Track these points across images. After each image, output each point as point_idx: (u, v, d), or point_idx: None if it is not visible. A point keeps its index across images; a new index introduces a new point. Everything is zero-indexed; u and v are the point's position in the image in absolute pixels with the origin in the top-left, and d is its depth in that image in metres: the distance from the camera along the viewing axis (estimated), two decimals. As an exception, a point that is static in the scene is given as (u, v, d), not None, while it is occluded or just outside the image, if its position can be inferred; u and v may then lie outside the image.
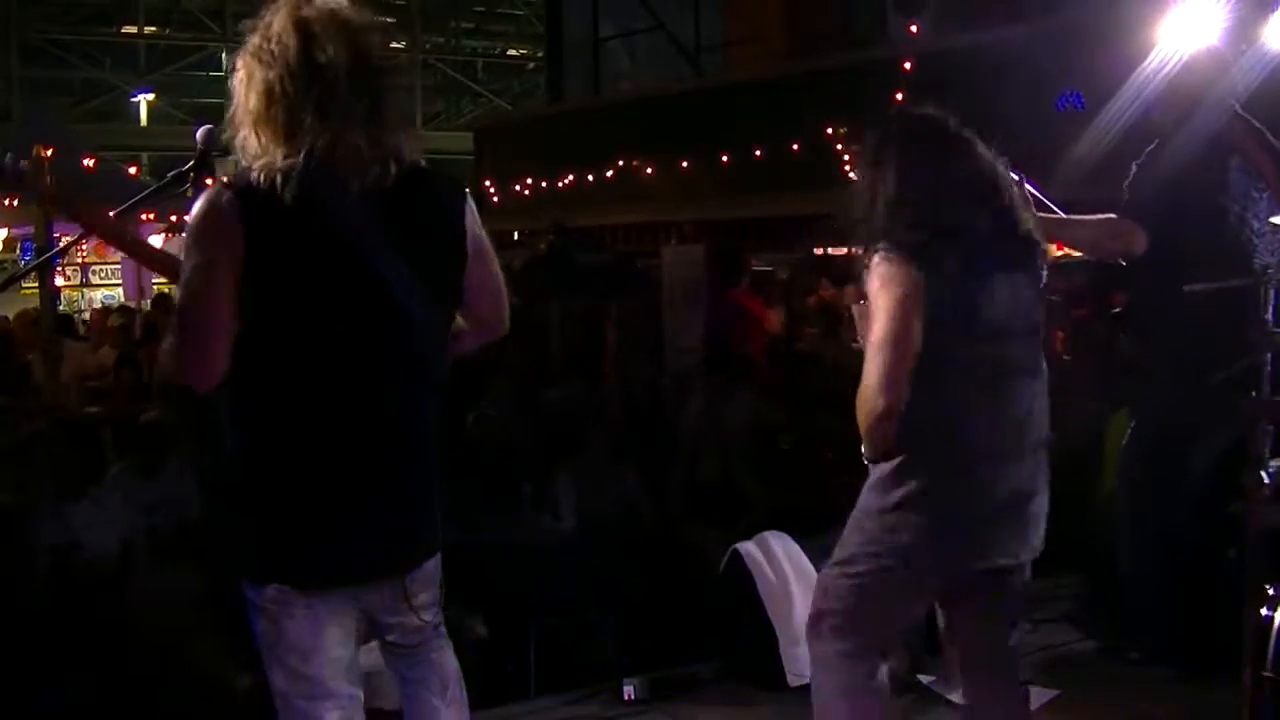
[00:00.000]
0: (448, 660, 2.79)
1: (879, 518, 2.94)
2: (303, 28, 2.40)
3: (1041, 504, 3.06)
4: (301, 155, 2.36)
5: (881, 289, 2.84)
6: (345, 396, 2.46)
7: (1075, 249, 4.29)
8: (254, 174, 2.37)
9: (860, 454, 3.00)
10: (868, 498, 2.99)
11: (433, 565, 2.68)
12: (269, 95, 2.39)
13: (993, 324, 2.91)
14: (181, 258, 2.46)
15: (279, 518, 2.47)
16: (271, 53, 2.40)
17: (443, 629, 2.79)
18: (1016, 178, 3.95)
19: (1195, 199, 4.06)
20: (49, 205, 2.89)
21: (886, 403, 2.81)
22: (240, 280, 2.36)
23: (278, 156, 2.38)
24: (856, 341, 3.03)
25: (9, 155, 2.85)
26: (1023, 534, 3.01)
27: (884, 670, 3.11)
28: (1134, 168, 4.27)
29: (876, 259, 2.86)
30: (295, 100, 2.38)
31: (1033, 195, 3.69)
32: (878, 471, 2.95)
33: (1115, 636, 4.55)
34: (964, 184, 2.93)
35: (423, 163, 2.57)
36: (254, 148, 2.42)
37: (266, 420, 2.47)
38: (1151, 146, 4.23)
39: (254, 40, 2.43)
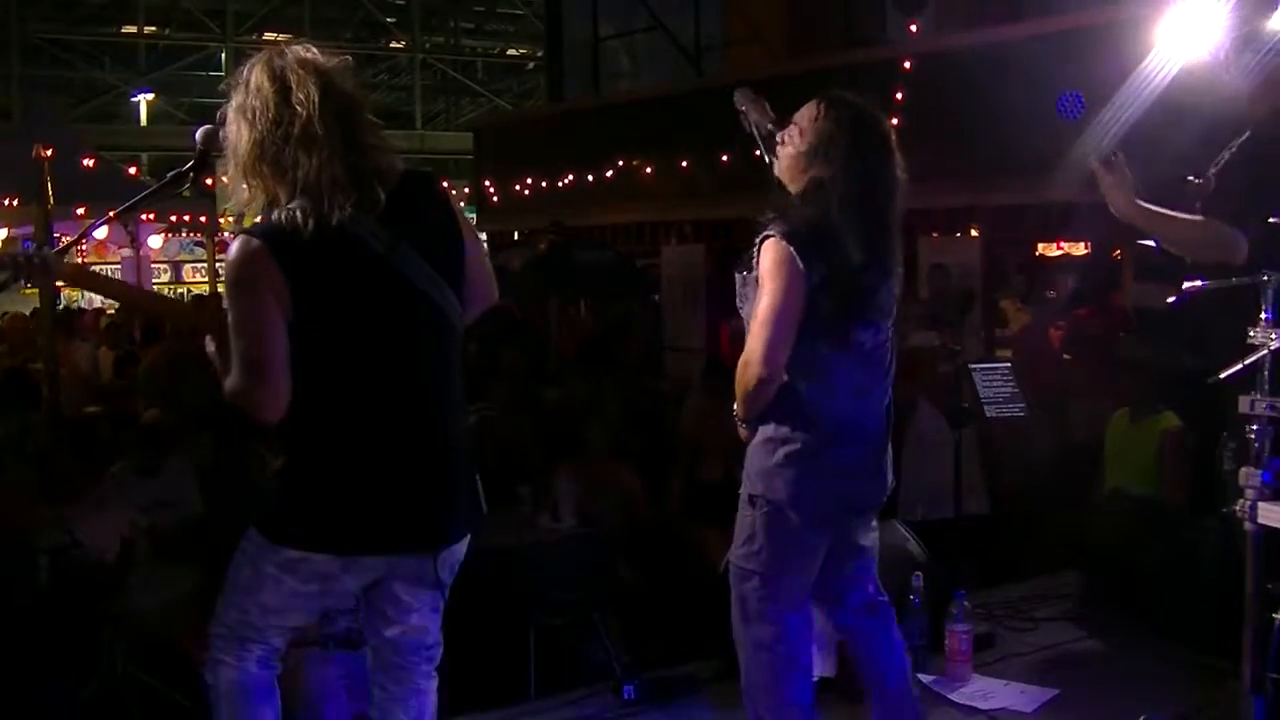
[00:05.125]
0: (431, 693, 2.98)
1: (768, 480, 3.26)
2: (277, 78, 2.65)
3: (888, 457, 3.42)
4: (299, 191, 2.61)
5: (770, 270, 3.12)
6: (395, 382, 2.71)
7: (1174, 249, 4.21)
8: (274, 215, 2.61)
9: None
10: (753, 463, 3.32)
11: (459, 551, 2.90)
12: (258, 148, 2.65)
13: (864, 314, 3.23)
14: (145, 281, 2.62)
15: (334, 488, 2.70)
16: (253, 108, 2.65)
17: (437, 659, 2.98)
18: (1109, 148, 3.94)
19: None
20: (70, 285, 3.02)
21: (767, 372, 3.13)
22: (287, 312, 2.60)
23: (278, 198, 2.65)
24: (740, 306, 3.32)
25: (33, 247, 2.99)
26: (882, 480, 3.39)
27: (807, 655, 3.39)
28: (1224, 154, 4.17)
29: (770, 241, 3.13)
30: (280, 149, 2.63)
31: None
32: (760, 436, 3.28)
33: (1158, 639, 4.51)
34: (881, 187, 3.21)
35: (400, 165, 2.80)
36: (244, 197, 2.70)
37: (321, 413, 2.69)
38: (1243, 138, 4.12)
39: (237, 98, 2.69)
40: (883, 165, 3.21)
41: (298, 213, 2.59)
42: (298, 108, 2.62)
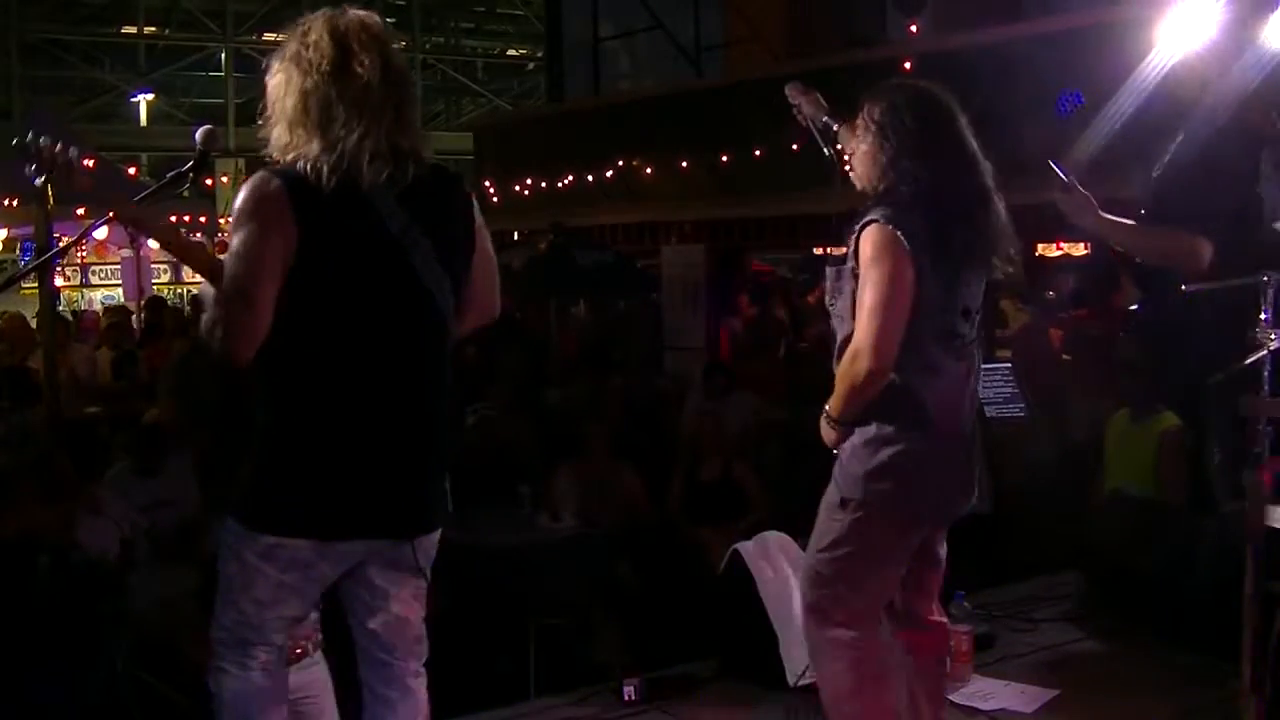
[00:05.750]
0: (420, 693, 2.92)
1: (865, 484, 3.05)
2: (339, 37, 2.63)
3: (979, 459, 3.26)
4: (336, 150, 2.58)
5: (877, 256, 2.94)
6: (379, 364, 2.68)
7: (1146, 259, 4.24)
8: (298, 165, 2.59)
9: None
10: (849, 466, 3.08)
11: (435, 540, 2.85)
12: (305, 97, 2.62)
13: (963, 302, 3.09)
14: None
15: (307, 470, 2.66)
16: (309, 60, 2.62)
17: (424, 656, 2.93)
18: (1062, 174, 3.93)
19: (1232, 190, 4.02)
20: (86, 198, 2.92)
21: (878, 365, 2.93)
22: (289, 259, 2.55)
23: (311, 150, 2.60)
24: (831, 303, 3.14)
25: (59, 146, 2.89)
26: (972, 487, 3.22)
27: (886, 641, 3.24)
28: (1159, 164, 4.21)
29: (873, 227, 2.96)
30: (330, 102, 2.60)
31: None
32: (858, 438, 3.06)
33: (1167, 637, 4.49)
34: (963, 164, 3.07)
35: (432, 158, 2.79)
36: (284, 142, 2.65)
37: (304, 385, 2.66)
38: (1178, 141, 4.17)
39: (291, 46, 2.66)
40: (952, 131, 3.06)
41: (324, 166, 2.57)
42: (358, 69, 2.60)
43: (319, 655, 3.64)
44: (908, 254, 2.92)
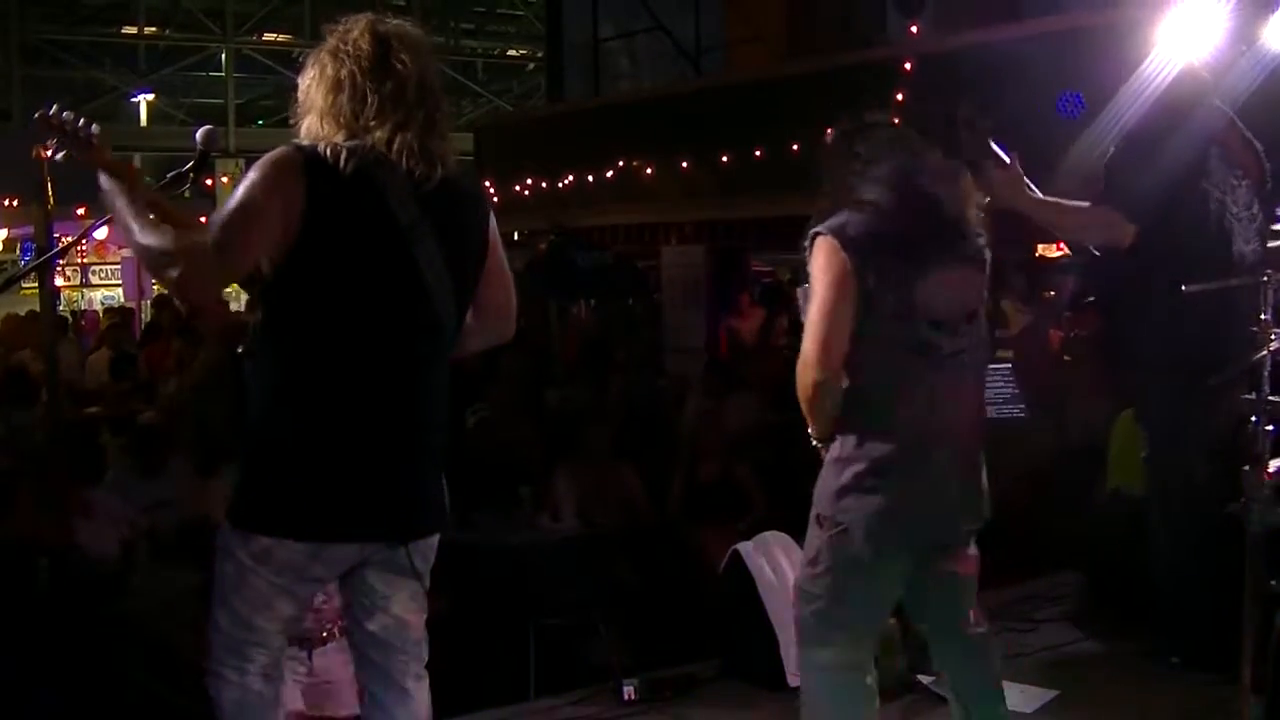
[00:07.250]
0: (419, 696, 2.87)
1: (835, 501, 3.04)
2: (380, 36, 2.66)
3: (983, 477, 3.18)
4: (362, 139, 2.60)
5: (818, 267, 3.02)
6: (374, 362, 2.65)
7: (1059, 234, 4.30)
8: (320, 146, 2.60)
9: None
10: (823, 482, 3.09)
11: (433, 544, 2.82)
12: (338, 89, 2.64)
13: (932, 312, 3.01)
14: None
15: (297, 470, 2.63)
16: (347, 53, 2.64)
17: (424, 658, 2.88)
18: (998, 149, 3.96)
19: (1178, 184, 4.06)
20: (106, 171, 2.90)
21: (822, 374, 2.97)
22: (289, 229, 2.54)
23: (339, 139, 2.61)
24: (804, 320, 3.15)
25: (82, 121, 2.89)
26: (974, 506, 3.16)
27: (873, 676, 3.19)
28: (1111, 150, 4.27)
29: (818, 241, 3.04)
30: (364, 95, 2.62)
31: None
32: (830, 453, 3.07)
33: (1155, 640, 4.49)
34: (919, 186, 3.08)
35: (457, 169, 2.78)
36: (315, 133, 2.65)
37: (296, 378, 2.64)
38: (1127, 131, 4.22)
39: (331, 42, 2.68)
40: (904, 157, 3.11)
41: (344, 150, 2.57)
42: (396, 65, 2.63)
43: (343, 640, 3.67)
44: (844, 259, 2.97)
